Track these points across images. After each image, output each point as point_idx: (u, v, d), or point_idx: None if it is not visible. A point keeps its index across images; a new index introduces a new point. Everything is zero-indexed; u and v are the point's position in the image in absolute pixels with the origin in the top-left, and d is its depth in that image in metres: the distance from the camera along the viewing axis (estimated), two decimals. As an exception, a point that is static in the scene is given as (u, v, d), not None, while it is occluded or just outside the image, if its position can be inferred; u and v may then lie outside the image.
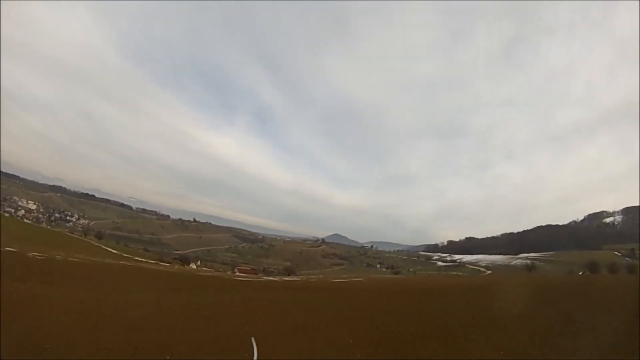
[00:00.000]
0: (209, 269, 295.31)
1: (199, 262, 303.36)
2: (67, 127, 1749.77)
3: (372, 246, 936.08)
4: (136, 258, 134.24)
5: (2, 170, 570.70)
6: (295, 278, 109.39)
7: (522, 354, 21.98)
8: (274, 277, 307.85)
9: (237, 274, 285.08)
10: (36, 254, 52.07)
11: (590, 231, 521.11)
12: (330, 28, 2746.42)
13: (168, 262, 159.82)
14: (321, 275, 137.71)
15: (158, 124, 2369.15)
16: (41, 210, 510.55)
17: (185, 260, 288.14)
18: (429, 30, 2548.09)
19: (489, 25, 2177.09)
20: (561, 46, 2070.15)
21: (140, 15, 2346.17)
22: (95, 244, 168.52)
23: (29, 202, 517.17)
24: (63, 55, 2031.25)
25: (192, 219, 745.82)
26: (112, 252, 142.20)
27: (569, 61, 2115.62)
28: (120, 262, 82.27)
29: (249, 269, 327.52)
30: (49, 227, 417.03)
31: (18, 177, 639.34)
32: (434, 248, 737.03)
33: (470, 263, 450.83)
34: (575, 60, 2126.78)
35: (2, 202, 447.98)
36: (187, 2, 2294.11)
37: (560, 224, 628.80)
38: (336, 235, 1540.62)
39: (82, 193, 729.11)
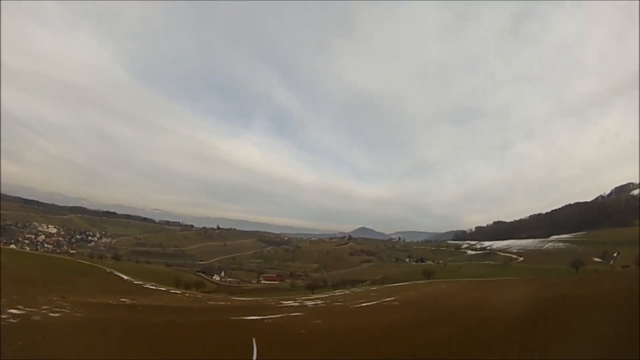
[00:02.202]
0: (233, 279, 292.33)
1: (222, 273, 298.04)
2: (85, 149, 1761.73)
3: (399, 238, 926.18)
4: (148, 286, 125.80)
5: (22, 197, 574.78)
6: (316, 300, 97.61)
7: None
8: (301, 281, 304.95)
9: (263, 281, 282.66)
10: (14, 311, 44.61)
11: (619, 206, 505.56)
12: (336, 24, 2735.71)
13: (185, 286, 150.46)
14: (347, 292, 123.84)
15: (175, 137, 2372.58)
16: (62, 233, 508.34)
17: (209, 272, 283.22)
18: (434, 16, 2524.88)
19: (494, 3, 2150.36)
20: (568, 16, 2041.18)
21: (147, 32, 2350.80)
22: (108, 270, 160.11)
23: (49, 226, 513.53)
24: (73, 79, 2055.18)
25: (215, 227, 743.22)
26: (123, 279, 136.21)
27: (577, 31, 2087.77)
28: (114, 304, 73.65)
29: (275, 275, 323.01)
30: (70, 249, 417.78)
31: (38, 202, 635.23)
32: (462, 235, 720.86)
33: (501, 250, 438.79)
34: (584, 29, 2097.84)
35: (21, 229, 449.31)
36: (192, 16, 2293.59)
37: (588, 200, 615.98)
38: (362, 229, 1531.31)
39: (103, 212, 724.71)
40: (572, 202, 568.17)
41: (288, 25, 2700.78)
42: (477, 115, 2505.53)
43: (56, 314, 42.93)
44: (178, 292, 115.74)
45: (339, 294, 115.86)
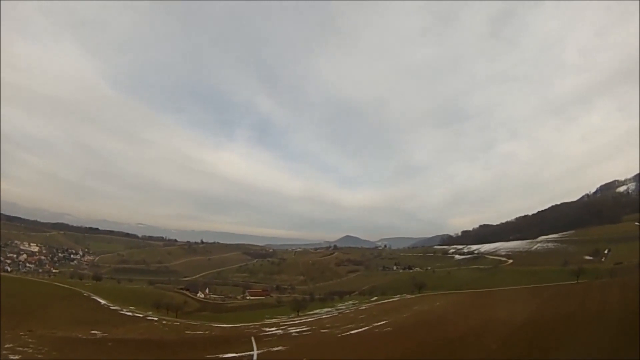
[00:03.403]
0: (218, 295, 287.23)
1: (207, 290, 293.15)
2: (69, 163, 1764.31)
3: (385, 245, 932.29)
4: (125, 312, 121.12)
5: (4, 213, 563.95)
6: (301, 326, 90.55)
7: None
8: (287, 295, 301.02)
9: (248, 297, 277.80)
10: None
11: (606, 203, 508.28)
12: (318, 30, 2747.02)
13: (166, 307, 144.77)
14: (336, 312, 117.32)
15: (160, 149, 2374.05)
16: (44, 251, 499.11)
17: (193, 288, 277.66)
18: (416, 18, 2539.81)
19: (474, 4, 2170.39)
20: (549, 15, 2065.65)
21: (131, 43, 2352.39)
22: (86, 293, 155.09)
23: (31, 244, 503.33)
24: (58, 92, 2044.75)
25: (199, 241, 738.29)
26: (100, 304, 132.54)
27: (558, 30, 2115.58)
28: (84, 338, 68.51)
29: (260, 290, 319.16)
30: (52, 269, 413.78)
31: (20, 218, 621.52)
32: (449, 240, 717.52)
33: (489, 253, 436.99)
34: (565, 28, 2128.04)
35: (3, 248, 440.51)
36: (175, 27, 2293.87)
37: (574, 199, 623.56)
38: (348, 237, 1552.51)
39: (86, 227, 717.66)
40: (558, 203, 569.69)
41: (271, 33, 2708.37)
42: (461, 117, 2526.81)
43: (16, 357, 40.32)
44: (155, 318, 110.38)
45: (326, 317, 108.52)
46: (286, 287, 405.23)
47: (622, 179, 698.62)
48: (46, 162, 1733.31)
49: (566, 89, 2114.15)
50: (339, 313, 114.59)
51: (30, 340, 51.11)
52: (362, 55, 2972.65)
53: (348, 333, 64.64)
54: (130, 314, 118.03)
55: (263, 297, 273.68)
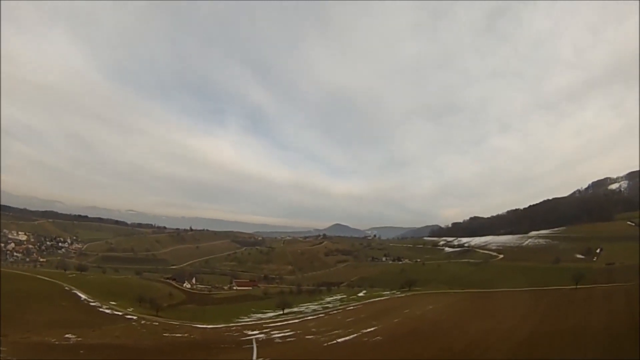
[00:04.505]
0: (205, 285, 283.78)
1: (194, 280, 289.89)
2: (61, 152, 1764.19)
3: (375, 235, 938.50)
4: (104, 309, 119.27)
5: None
6: (285, 330, 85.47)
7: None
8: (276, 284, 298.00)
9: (235, 287, 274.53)
10: None
11: (598, 200, 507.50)
12: (311, 22, 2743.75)
13: (149, 302, 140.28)
14: (323, 314, 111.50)
15: (150, 137, 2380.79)
16: (32, 240, 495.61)
17: (180, 278, 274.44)
18: (409, 13, 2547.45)
19: (468, 1, 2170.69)
20: (543, 12, 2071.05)
21: (121, 33, 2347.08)
22: (67, 287, 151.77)
23: (20, 233, 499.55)
24: (48, 81, 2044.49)
25: (189, 228, 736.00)
26: (80, 299, 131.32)
27: (552, 25, 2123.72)
28: (56, 344, 65.59)
29: (247, 280, 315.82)
30: (39, 258, 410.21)
31: (9, 207, 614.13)
32: (439, 231, 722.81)
33: (480, 247, 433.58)
34: (559, 24, 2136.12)
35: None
36: (166, 16, 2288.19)
37: (566, 194, 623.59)
38: (337, 225, 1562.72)
39: (75, 215, 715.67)
40: (550, 198, 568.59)
41: (263, 24, 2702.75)
42: (452, 110, 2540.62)
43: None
44: (134, 317, 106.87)
45: (312, 318, 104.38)
46: (274, 276, 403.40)
47: (614, 176, 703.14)
48: (37, 151, 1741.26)
49: (559, 85, 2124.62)
50: (325, 314, 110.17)
51: (3, 348, 48.36)
52: (355, 48, 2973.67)
53: (335, 341, 60.47)
54: (109, 311, 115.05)
55: (250, 288, 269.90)
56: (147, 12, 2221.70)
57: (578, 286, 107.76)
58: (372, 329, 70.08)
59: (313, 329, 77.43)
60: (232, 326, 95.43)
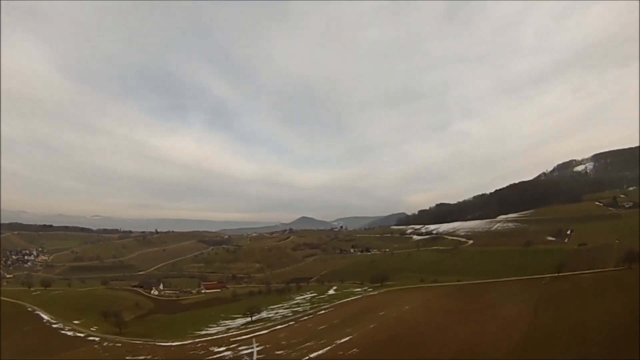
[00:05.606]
0: (173, 291, 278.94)
1: (161, 286, 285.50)
2: (24, 158, 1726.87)
3: (341, 226, 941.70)
4: (67, 331, 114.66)
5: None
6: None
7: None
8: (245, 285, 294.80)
9: (204, 290, 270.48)
10: None
11: (565, 182, 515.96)
12: (269, 11, 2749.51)
13: (114, 316, 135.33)
14: (293, 321, 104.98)
15: (114, 137, 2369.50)
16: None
17: (147, 285, 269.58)
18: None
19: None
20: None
21: (80, 32, 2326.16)
22: (29, 308, 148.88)
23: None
24: (7, 85, 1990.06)
25: (154, 231, 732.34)
26: (42, 322, 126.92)
27: (515, 11, 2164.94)
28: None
29: (216, 282, 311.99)
30: (6, 274, 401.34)
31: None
32: (406, 219, 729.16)
33: (448, 233, 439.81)
34: (522, 10, 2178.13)
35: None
36: (125, 11, 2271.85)
37: (531, 177, 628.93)
38: (303, 218, 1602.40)
39: (40, 225, 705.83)
40: (516, 182, 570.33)
41: (222, 14, 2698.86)
42: (415, 96, 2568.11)
43: None
44: (97, 338, 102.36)
45: (282, 327, 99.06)
46: (242, 275, 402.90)
47: (579, 158, 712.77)
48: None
49: (521, 69, 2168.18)
50: (295, 320, 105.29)
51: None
52: (315, 36, 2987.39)
53: (307, 358, 56.74)
54: (71, 333, 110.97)
55: (219, 290, 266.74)
56: (106, 9, 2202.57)
57: (560, 274, 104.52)
58: (346, 338, 65.59)
59: (283, 342, 73.15)
60: (198, 342, 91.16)
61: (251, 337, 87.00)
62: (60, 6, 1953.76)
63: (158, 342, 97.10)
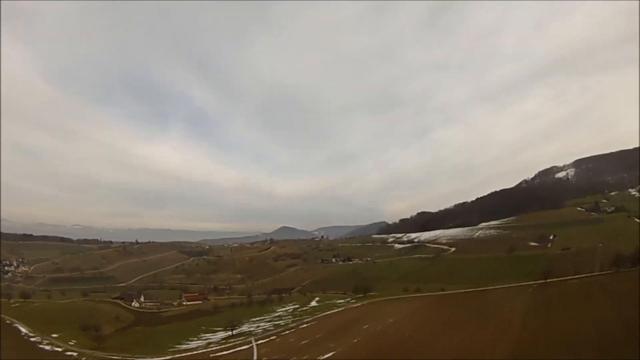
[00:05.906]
0: (154, 303, 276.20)
1: (142, 298, 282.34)
2: (3, 164, 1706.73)
3: (322, 235, 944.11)
4: (44, 345, 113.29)
5: None
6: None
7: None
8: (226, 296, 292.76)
9: (185, 302, 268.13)
10: None
11: (547, 188, 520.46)
12: (251, 17, 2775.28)
13: (94, 329, 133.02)
14: (275, 335, 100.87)
15: (95, 144, 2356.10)
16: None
17: (128, 297, 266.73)
18: (351, 5, 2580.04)
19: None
20: (487, 6, 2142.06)
21: (63, 36, 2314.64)
22: (8, 320, 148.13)
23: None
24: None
25: (135, 241, 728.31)
26: (19, 335, 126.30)
27: (495, 19, 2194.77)
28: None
29: (197, 294, 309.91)
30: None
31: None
32: (387, 228, 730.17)
33: (430, 241, 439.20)
34: (502, 17, 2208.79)
35: None
36: (107, 17, 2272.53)
37: (512, 184, 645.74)
38: (284, 228, 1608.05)
39: (21, 235, 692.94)
40: (497, 190, 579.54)
41: (203, 22, 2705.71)
42: (395, 103, 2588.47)
43: None
44: (75, 353, 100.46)
45: (264, 342, 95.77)
46: (224, 287, 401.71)
47: (560, 164, 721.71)
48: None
49: (501, 77, 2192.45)
50: (277, 335, 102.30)
51: None
52: (295, 44, 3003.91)
53: None
54: (49, 348, 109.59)
55: (200, 302, 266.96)
56: (87, 15, 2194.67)
57: (547, 280, 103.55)
58: (330, 354, 62.95)
59: (264, 358, 71.04)
60: (177, 357, 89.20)
61: (233, 351, 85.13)
62: (41, 7, 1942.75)
63: (137, 357, 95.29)
